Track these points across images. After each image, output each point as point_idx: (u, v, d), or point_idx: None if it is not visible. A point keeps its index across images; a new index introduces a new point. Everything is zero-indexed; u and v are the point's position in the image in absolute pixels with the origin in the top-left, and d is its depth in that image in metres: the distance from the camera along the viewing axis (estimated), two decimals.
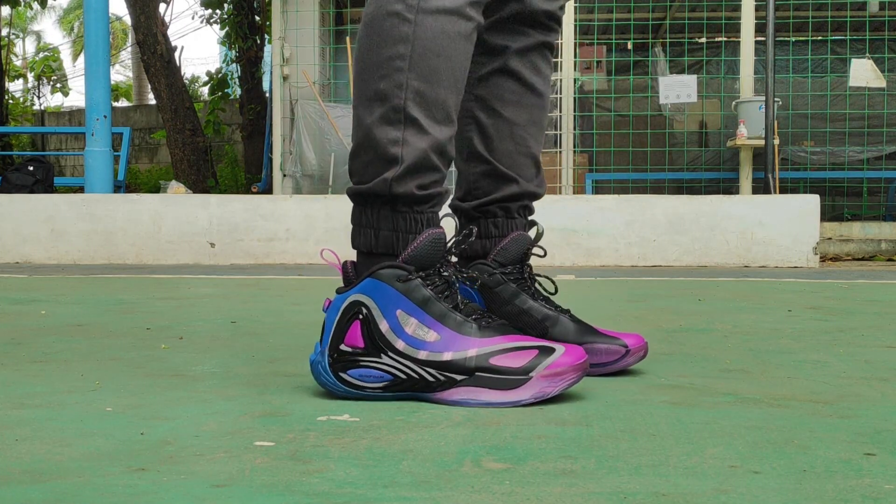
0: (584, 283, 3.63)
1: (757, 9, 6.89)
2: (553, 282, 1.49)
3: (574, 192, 7.07)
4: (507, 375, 1.14)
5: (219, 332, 1.93)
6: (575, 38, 7.11)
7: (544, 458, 0.90)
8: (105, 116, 6.09)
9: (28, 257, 5.21)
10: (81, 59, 15.06)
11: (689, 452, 0.92)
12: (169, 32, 10.39)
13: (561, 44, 6.88)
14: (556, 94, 7.05)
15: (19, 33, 24.69)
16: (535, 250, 1.47)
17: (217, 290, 3.14)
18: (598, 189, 7.82)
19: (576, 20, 7.10)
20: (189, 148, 10.24)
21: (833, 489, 0.80)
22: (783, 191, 6.89)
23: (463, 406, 1.15)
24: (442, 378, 1.16)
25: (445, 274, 1.22)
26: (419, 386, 1.16)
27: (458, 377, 1.15)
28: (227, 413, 1.11)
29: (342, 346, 1.19)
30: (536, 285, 1.46)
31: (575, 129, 7.25)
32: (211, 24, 11.08)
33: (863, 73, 6.85)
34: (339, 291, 1.23)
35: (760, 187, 6.44)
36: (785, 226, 4.93)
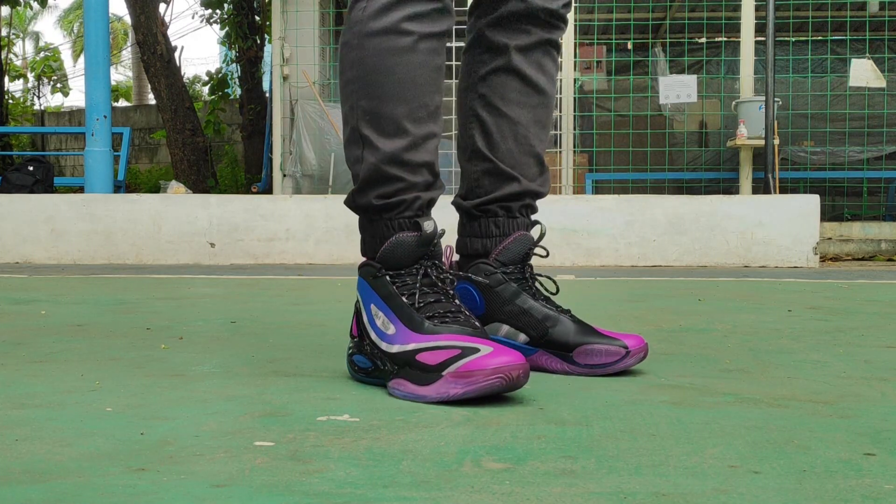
0: (583, 283, 3.63)
1: (757, 9, 6.89)
2: (555, 282, 1.49)
3: (574, 192, 7.06)
4: (423, 372, 1.19)
5: (219, 332, 1.93)
6: (575, 38, 7.11)
7: (544, 458, 0.90)
8: (105, 116, 6.09)
9: (28, 257, 5.21)
10: (81, 59, 15.04)
11: (689, 452, 0.92)
12: (169, 32, 10.39)
13: (561, 44, 6.86)
14: (557, 93, 7.05)
15: (19, 33, 24.69)
16: (538, 250, 1.47)
17: (217, 290, 3.14)
18: (598, 189, 7.82)
19: (576, 20, 7.09)
20: (189, 148, 10.23)
21: (833, 489, 0.80)
22: (783, 191, 6.89)
23: (392, 395, 1.22)
24: (393, 368, 1.25)
25: (429, 273, 1.29)
26: (384, 374, 1.27)
27: (398, 368, 1.24)
28: (227, 413, 1.11)
29: (352, 334, 1.36)
30: (537, 285, 1.46)
31: (575, 129, 7.25)
32: (211, 24, 11.08)
33: (863, 73, 6.85)
34: None
35: (760, 187, 6.44)
36: (785, 226, 4.93)
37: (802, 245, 4.92)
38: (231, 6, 10.56)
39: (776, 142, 6.41)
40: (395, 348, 1.24)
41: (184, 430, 1.02)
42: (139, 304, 2.61)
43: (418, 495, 0.78)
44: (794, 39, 8.64)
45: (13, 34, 19.23)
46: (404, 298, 1.27)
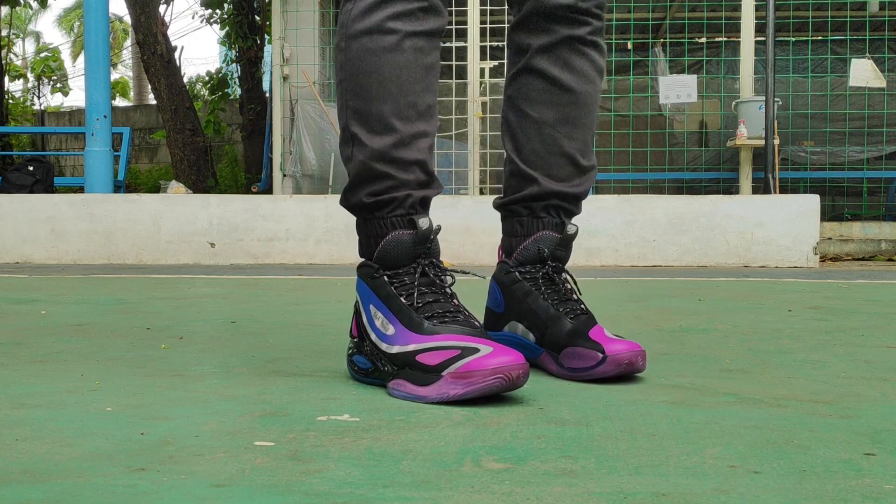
0: (583, 283, 3.62)
1: (757, 9, 6.89)
2: (575, 282, 1.49)
3: None
4: (423, 372, 1.18)
5: (219, 332, 1.93)
6: None
7: (544, 458, 0.90)
8: (105, 116, 6.09)
9: (28, 257, 5.21)
10: (81, 59, 15.04)
11: (689, 452, 0.92)
12: (169, 32, 10.39)
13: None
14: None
15: (19, 33, 24.68)
16: (557, 252, 1.46)
17: (217, 290, 3.14)
18: (598, 189, 7.82)
19: None
20: (189, 148, 10.24)
21: (833, 489, 0.80)
22: (783, 191, 6.89)
23: (392, 395, 1.22)
24: (392, 369, 1.24)
25: (427, 272, 1.29)
26: (384, 374, 1.26)
27: (397, 369, 1.23)
28: (227, 413, 1.11)
29: (352, 335, 1.35)
30: (568, 286, 1.45)
31: None
32: (211, 24, 11.09)
33: (863, 73, 6.85)
34: None
35: (760, 187, 6.44)
36: (785, 226, 4.93)
37: (802, 245, 4.92)
38: (231, 6, 10.56)
39: (776, 142, 6.40)
40: (394, 349, 1.24)
41: (184, 430, 1.02)
42: (139, 304, 2.61)
43: (418, 495, 0.78)
44: (794, 39, 8.64)
45: (13, 34, 19.22)
46: (403, 299, 1.27)
